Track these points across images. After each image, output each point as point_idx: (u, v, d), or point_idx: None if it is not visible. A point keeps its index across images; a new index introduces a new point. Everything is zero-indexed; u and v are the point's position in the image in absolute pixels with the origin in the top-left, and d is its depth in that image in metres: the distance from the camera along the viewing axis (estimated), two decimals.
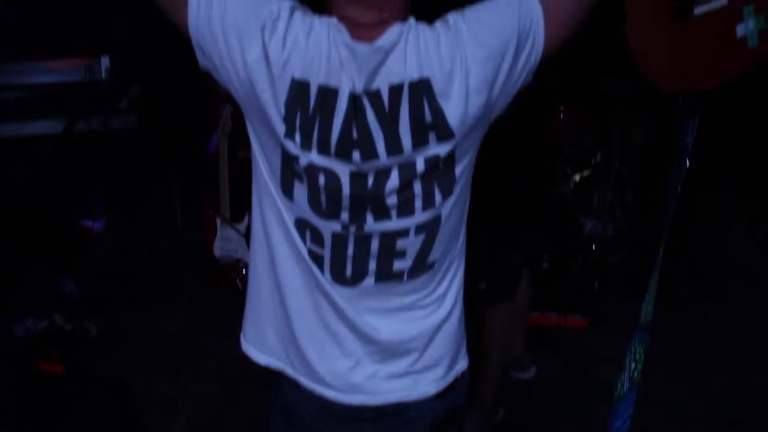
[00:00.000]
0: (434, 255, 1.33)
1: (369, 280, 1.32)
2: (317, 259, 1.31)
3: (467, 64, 1.22)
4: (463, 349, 1.49)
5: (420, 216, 1.28)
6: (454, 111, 1.22)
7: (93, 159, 4.05)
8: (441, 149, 1.24)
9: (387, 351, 1.37)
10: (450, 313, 1.42)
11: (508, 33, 1.25)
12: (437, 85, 1.21)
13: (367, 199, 1.26)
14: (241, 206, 3.85)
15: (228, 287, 3.90)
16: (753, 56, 1.57)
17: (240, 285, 3.81)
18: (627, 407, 1.86)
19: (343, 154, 1.22)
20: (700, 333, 3.59)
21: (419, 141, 1.23)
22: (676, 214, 1.81)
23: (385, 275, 1.32)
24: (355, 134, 1.22)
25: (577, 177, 4.04)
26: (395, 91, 1.21)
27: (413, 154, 1.23)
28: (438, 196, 1.28)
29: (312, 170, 1.24)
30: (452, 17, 1.26)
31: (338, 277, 1.32)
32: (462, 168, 1.30)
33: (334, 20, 1.21)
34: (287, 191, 1.28)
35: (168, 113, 4.34)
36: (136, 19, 3.30)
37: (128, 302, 3.81)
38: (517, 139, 2.46)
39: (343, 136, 1.21)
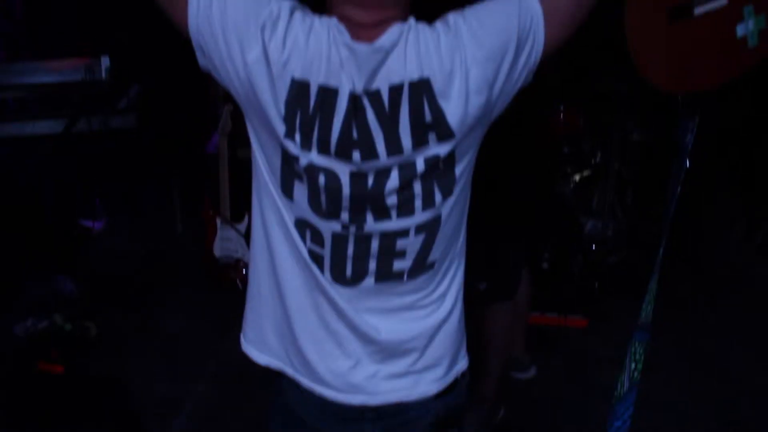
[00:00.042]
0: (434, 255, 1.33)
1: (369, 280, 1.32)
2: (317, 259, 1.31)
3: (467, 64, 1.22)
4: (463, 349, 1.49)
5: (420, 216, 1.28)
6: (454, 111, 1.22)
7: (93, 159, 4.06)
8: (441, 149, 1.24)
9: (387, 351, 1.37)
10: (450, 313, 1.42)
11: (508, 33, 1.25)
12: (437, 85, 1.21)
13: (367, 199, 1.26)
14: (241, 206, 3.85)
15: (228, 287, 3.90)
16: (753, 56, 1.58)
17: (240, 285, 3.81)
18: (627, 407, 1.86)
19: (343, 154, 1.22)
20: (700, 333, 3.59)
21: (419, 141, 1.23)
22: (676, 215, 1.81)
23: (385, 275, 1.32)
24: (355, 134, 1.22)
25: (577, 177, 4.04)
26: (395, 91, 1.21)
27: (413, 154, 1.23)
28: (438, 196, 1.28)
29: (312, 170, 1.24)
30: (452, 17, 1.26)
31: (338, 277, 1.32)
32: (462, 168, 1.30)
33: (334, 20, 1.21)
34: (287, 191, 1.28)
35: (168, 113, 4.34)
36: (136, 20, 3.30)
37: (128, 302, 3.81)
38: (517, 139, 2.46)
39: (343, 136, 1.21)
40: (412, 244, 1.31)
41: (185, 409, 3.06)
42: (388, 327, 1.36)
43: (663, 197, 1.86)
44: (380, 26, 1.21)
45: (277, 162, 1.27)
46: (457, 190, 1.30)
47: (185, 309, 3.83)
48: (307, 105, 1.20)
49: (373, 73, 1.20)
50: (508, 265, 2.82)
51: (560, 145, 3.96)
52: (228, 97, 3.33)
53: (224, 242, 3.88)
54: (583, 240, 4.00)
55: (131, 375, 3.19)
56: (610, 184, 4.00)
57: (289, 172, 1.26)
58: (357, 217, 1.27)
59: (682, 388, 3.15)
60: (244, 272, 3.81)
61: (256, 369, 1.47)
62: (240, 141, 3.75)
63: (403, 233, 1.29)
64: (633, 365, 1.86)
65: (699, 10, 1.51)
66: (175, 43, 1.35)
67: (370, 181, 1.24)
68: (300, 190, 1.27)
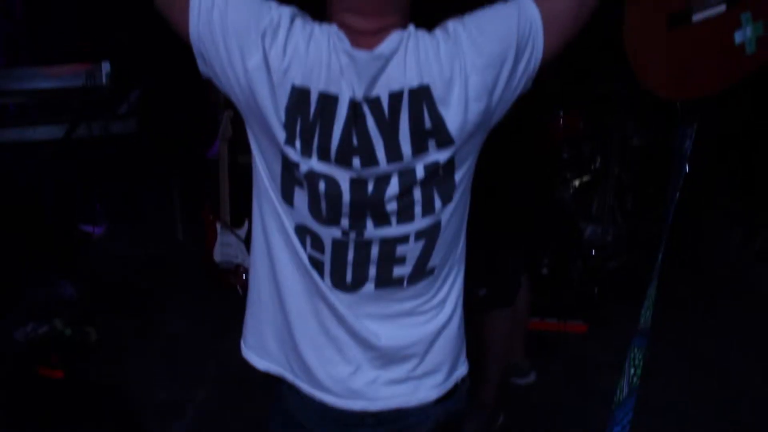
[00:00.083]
0: (434, 261, 1.34)
1: (369, 286, 1.32)
2: (317, 265, 1.32)
3: (467, 71, 1.23)
4: (463, 355, 1.49)
5: (420, 222, 1.29)
6: (453, 118, 1.23)
7: (93, 164, 4.07)
8: (440, 156, 1.25)
9: (387, 357, 1.37)
10: (450, 318, 1.42)
11: (507, 40, 1.25)
12: (437, 92, 1.22)
13: (367, 206, 1.26)
14: (241, 211, 3.85)
15: (228, 292, 3.90)
16: (751, 63, 1.58)
17: (240, 290, 3.81)
18: (626, 413, 1.86)
19: (343, 160, 1.23)
20: (699, 336, 3.59)
21: (419, 148, 1.23)
22: (676, 220, 1.81)
23: (385, 281, 1.33)
24: (355, 141, 1.22)
25: (576, 182, 4.05)
26: (395, 98, 1.21)
27: (413, 160, 1.24)
28: (438, 203, 1.29)
29: (312, 177, 1.24)
30: (452, 24, 1.27)
31: (338, 283, 1.32)
32: (461, 174, 1.30)
33: (334, 28, 1.22)
34: (287, 197, 1.28)
35: (168, 118, 4.35)
36: (136, 25, 3.31)
37: (128, 307, 3.81)
38: (517, 145, 2.47)
39: (343, 142, 1.22)
40: (412, 251, 1.31)
41: (186, 413, 3.06)
42: (388, 333, 1.36)
43: (662, 202, 1.87)
44: (380, 34, 1.21)
45: (278, 168, 1.27)
46: (456, 196, 1.31)
47: (185, 313, 3.83)
48: (308, 112, 1.21)
49: (373, 80, 1.21)
50: (508, 272, 2.82)
51: (560, 151, 3.96)
52: (228, 103, 3.35)
53: (224, 247, 3.88)
54: (582, 245, 4.01)
55: (132, 379, 3.19)
56: (609, 189, 4.00)
57: (290, 178, 1.27)
58: (357, 224, 1.28)
59: (681, 392, 3.15)
60: (244, 277, 3.81)
61: (256, 373, 1.47)
62: (240, 147, 3.75)
63: (403, 239, 1.30)
64: (632, 371, 1.86)
65: (697, 17, 1.52)
66: (175, 49, 1.36)
67: (370, 187, 1.25)
68: (300, 197, 1.27)
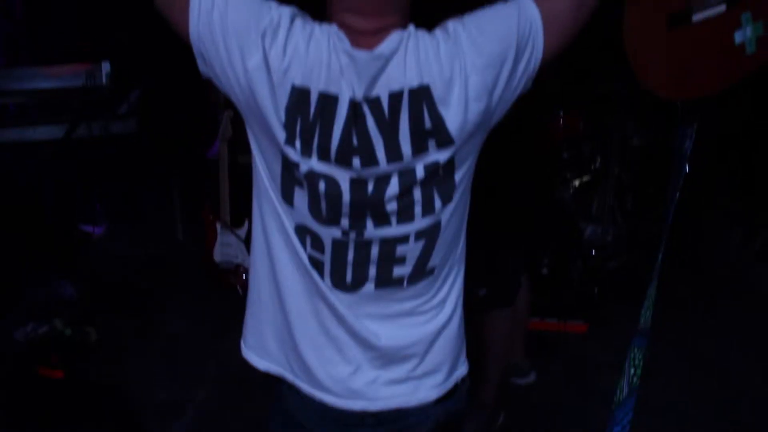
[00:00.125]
0: (434, 261, 1.34)
1: (369, 286, 1.33)
2: (317, 265, 1.32)
3: (467, 71, 1.23)
4: (463, 355, 1.49)
5: (420, 222, 1.29)
6: (453, 118, 1.23)
7: (93, 164, 4.07)
8: (440, 156, 1.25)
9: (387, 357, 1.38)
10: (450, 318, 1.42)
11: (507, 40, 1.26)
12: (437, 92, 1.22)
13: (367, 206, 1.26)
14: (241, 211, 3.85)
15: (228, 292, 3.90)
16: (751, 63, 1.58)
17: (240, 290, 3.81)
18: (626, 413, 1.86)
19: (343, 160, 1.23)
20: (699, 336, 3.59)
21: (419, 148, 1.23)
22: (676, 219, 1.81)
23: (385, 281, 1.33)
24: (355, 141, 1.22)
25: (576, 182, 4.05)
26: (395, 98, 1.21)
27: (413, 160, 1.24)
28: (438, 203, 1.29)
29: (312, 177, 1.24)
30: (452, 24, 1.27)
31: (338, 283, 1.32)
32: (461, 174, 1.30)
33: (334, 28, 1.22)
34: (287, 197, 1.29)
35: (168, 118, 4.35)
36: (136, 25, 3.31)
37: (128, 307, 3.82)
38: (517, 145, 2.47)
39: (343, 142, 1.22)
40: (412, 251, 1.31)
41: (186, 412, 3.06)
42: (388, 333, 1.36)
43: (662, 202, 1.87)
44: (380, 34, 1.21)
45: (278, 168, 1.27)
46: (456, 196, 1.31)
47: (185, 313, 3.83)
48: (308, 112, 1.21)
49: (373, 80, 1.21)
50: (508, 272, 2.82)
51: (560, 151, 3.96)
52: (228, 103, 3.35)
53: (224, 247, 3.88)
54: (582, 245, 4.01)
55: (131, 379, 3.19)
56: (609, 189, 4.01)
57: (290, 178, 1.27)
58: (357, 224, 1.28)
59: (681, 392, 3.15)
60: (244, 277, 3.81)
61: (256, 373, 1.47)
62: (240, 147, 3.75)
63: (403, 239, 1.30)
64: (632, 371, 1.86)
65: (697, 17, 1.52)
66: (175, 49, 1.36)
67: (370, 187, 1.25)
68: (300, 197, 1.27)
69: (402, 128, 1.22)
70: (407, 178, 1.25)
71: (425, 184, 1.26)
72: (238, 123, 3.56)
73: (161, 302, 3.91)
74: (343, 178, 1.24)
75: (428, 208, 1.28)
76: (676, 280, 3.62)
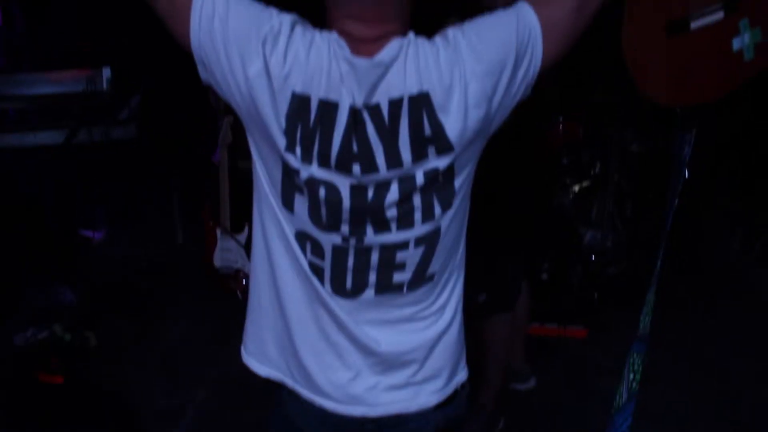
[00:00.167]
0: (434, 267, 1.34)
1: (369, 292, 1.33)
2: (317, 272, 1.32)
3: (466, 78, 1.23)
4: (463, 361, 1.49)
5: (419, 228, 1.29)
6: (453, 125, 1.23)
7: (94, 169, 4.07)
8: (440, 162, 1.26)
9: (387, 362, 1.38)
10: (449, 324, 1.42)
11: (506, 47, 1.26)
12: (436, 99, 1.22)
13: (367, 212, 1.27)
14: (241, 216, 3.86)
15: (228, 297, 3.90)
16: (749, 69, 1.59)
17: (240, 295, 3.82)
18: (625, 418, 1.87)
19: (343, 167, 1.23)
20: (699, 342, 3.59)
21: (419, 154, 1.24)
22: (675, 224, 1.82)
23: (385, 287, 1.33)
24: (355, 148, 1.23)
25: (576, 188, 4.05)
26: (395, 105, 1.22)
27: (413, 167, 1.24)
28: (437, 209, 1.29)
29: (312, 183, 1.25)
30: (451, 32, 1.27)
31: (338, 289, 1.32)
32: (461, 181, 1.31)
33: (334, 35, 1.23)
34: (288, 204, 1.29)
35: (169, 123, 4.35)
36: (137, 31, 3.32)
37: (128, 312, 3.81)
38: (516, 152, 2.47)
39: (343, 149, 1.22)
40: (411, 257, 1.31)
41: (186, 417, 3.06)
42: (388, 339, 1.37)
43: (662, 208, 1.87)
44: (380, 41, 1.22)
45: (278, 175, 1.28)
46: (456, 202, 1.31)
47: (185, 318, 3.83)
48: (308, 119, 1.21)
49: (373, 88, 1.21)
50: (508, 277, 2.83)
51: (559, 157, 3.97)
52: (229, 109, 3.35)
53: (224, 252, 3.88)
54: (582, 251, 4.01)
55: (131, 384, 3.19)
56: (609, 195, 4.01)
57: (290, 184, 1.27)
58: (357, 230, 1.28)
59: (681, 397, 3.15)
60: (243, 282, 3.81)
61: (256, 378, 1.47)
62: (240, 152, 3.76)
63: (403, 246, 1.30)
64: (631, 376, 1.87)
65: (696, 24, 1.52)
66: (176, 55, 1.36)
67: (370, 194, 1.25)
68: (300, 203, 1.28)
69: (402, 135, 1.22)
70: (407, 185, 1.25)
71: (425, 190, 1.27)
72: (238, 128, 3.57)
73: (161, 307, 3.91)
74: (343, 185, 1.25)
75: (428, 215, 1.29)
76: (676, 282, 3.63)
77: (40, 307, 3.68)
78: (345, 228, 1.28)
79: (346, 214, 1.26)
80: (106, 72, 3.70)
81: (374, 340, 1.36)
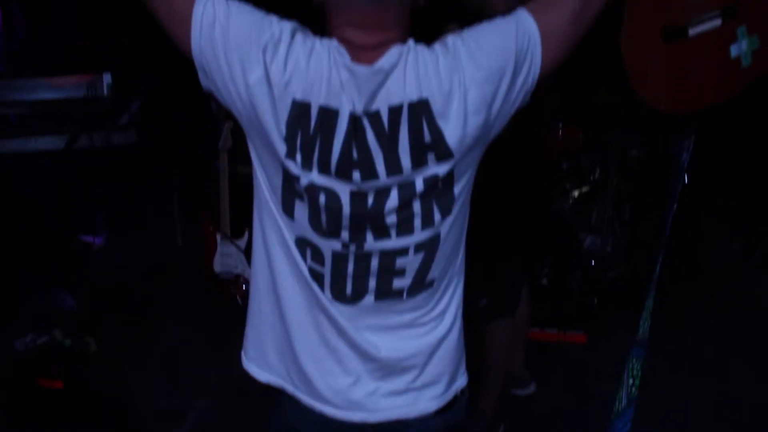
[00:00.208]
0: (433, 273, 1.35)
1: (369, 298, 1.33)
2: (317, 278, 1.32)
3: (465, 84, 1.24)
4: (463, 366, 1.50)
5: (419, 235, 1.30)
6: (452, 131, 1.24)
7: (94, 174, 4.08)
8: (440, 169, 1.26)
9: (387, 368, 1.38)
10: (449, 330, 1.42)
11: (505, 54, 1.26)
12: (436, 106, 1.22)
13: (367, 218, 1.27)
14: (241, 222, 3.86)
15: (228, 302, 3.90)
16: (747, 76, 1.60)
17: (240, 300, 3.82)
18: (625, 423, 1.87)
19: (343, 173, 1.24)
20: (698, 347, 3.59)
21: (418, 161, 1.24)
22: (675, 229, 1.82)
23: (385, 293, 1.33)
24: (355, 154, 1.23)
25: (575, 193, 4.06)
26: (395, 112, 1.22)
27: (412, 173, 1.25)
28: (437, 215, 1.29)
29: (312, 190, 1.25)
30: (451, 39, 1.28)
31: (338, 295, 1.33)
32: (461, 187, 1.31)
33: (334, 42, 1.23)
34: (288, 210, 1.29)
35: (169, 128, 4.36)
36: (137, 36, 3.32)
37: (128, 317, 3.82)
38: (515, 158, 2.48)
39: (343, 156, 1.23)
40: (411, 263, 1.32)
41: (186, 422, 3.06)
42: (387, 344, 1.37)
43: (661, 213, 1.88)
44: (380, 48, 1.22)
45: (278, 181, 1.28)
46: (455, 209, 1.32)
47: (185, 322, 3.83)
48: (308, 126, 1.22)
49: (373, 95, 1.22)
50: (507, 283, 2.83)
51: (559, 162, 3.98)
52: (229, 114, 3.35)
53: (224, 258, 3.88)
54: (582, 256, 4.02)
55: (131, 389, 3.19)
56: (608, 200, 4.02)
57: (290, 191, 1.28)
58: (357, 236, 1.28)
59: (680, 402, 3.15)
60: (243, 288, 3.81)
61: (256, 383, 1.48)
62: (240, 157, 3.77)
63: (403, 252, 1.30)
64: (631, 381, 1.87)
65: (694, 31, 1.53)
66: (176, 59, 1.37)
67: (370, 200, 1.26)
68: (301, 209, 1.28)
69: (401, 142, 1.23)
70: (407, 191, 1.26)
71: (425, 197, 1.27)
72: (238, 134, 3.57)
73: (161, 311, 3.91)
74: (344, 191, 1.25)
75: (428, 221, 1.29)
76: (676, 288, 3.63)
77: (41, 312, 3.68)
78: (345, 234, 1.28)
79: (346, 221, 1.27)
80: (107, 77, 3.71)
81: (374, 345, 1.36)
